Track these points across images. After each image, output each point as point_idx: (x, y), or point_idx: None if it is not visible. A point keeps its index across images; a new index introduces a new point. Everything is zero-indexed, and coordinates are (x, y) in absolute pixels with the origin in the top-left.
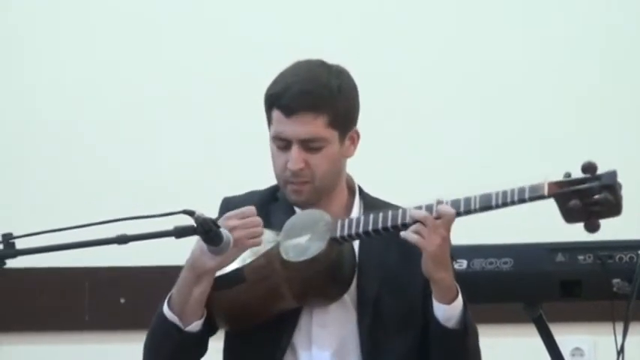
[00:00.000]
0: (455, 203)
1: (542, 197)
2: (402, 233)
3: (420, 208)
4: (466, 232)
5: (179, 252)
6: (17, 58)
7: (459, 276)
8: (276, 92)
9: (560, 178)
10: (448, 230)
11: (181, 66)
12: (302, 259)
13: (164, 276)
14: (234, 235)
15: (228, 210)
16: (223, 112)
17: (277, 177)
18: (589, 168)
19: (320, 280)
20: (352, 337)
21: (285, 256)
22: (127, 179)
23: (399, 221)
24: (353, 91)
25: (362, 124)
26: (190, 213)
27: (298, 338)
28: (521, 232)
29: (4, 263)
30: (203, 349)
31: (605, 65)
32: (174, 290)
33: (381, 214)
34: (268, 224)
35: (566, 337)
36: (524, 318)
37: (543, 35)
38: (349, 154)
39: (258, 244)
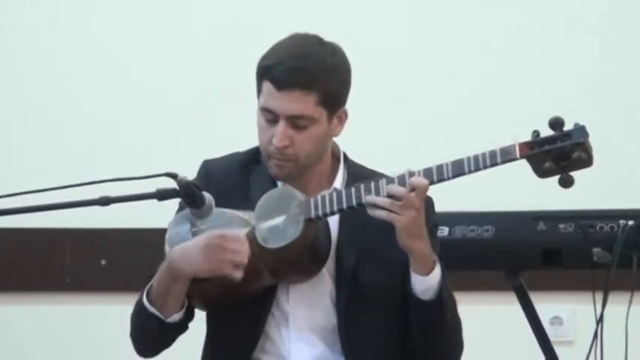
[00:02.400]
0: (427, 172)
1: (514, 159)
2: (374, 212)
3: (392, 180)
4: (448, 199)
5: (161, 214)
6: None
7: (441, 243)
8: (270, 64)
9: (529, 134)
10: (422, 201)
11: (169, 27)
12: (280, 245)
13: (146, 238)
14: (224, 258)
15: (209, 173)
16: (210, 75)
17: (261, 149)
18: (556, 124)
19: (299, 261)
20: (330, 310)
21: (262, 243)
22: (110, 141)
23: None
24: (346, 70)
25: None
26: (173, 176)
27: (275, 312)
28: (502, 199)
29: None
30: (186, 328)
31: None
32: (153, 283)
33: (353, 190)
34: (248, 188)
35: (546, 305)
36: (504, 285)
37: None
38: (336, 134)
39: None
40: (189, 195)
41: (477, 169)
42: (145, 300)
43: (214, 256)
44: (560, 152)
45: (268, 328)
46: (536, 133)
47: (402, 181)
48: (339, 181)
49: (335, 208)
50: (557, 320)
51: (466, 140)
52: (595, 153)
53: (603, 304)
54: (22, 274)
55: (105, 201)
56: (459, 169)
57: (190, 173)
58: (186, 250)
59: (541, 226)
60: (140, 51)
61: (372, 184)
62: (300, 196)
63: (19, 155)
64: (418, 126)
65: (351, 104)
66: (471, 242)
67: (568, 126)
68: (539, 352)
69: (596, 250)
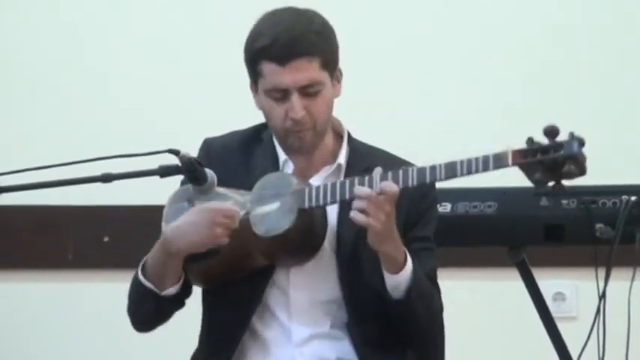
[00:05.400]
0: (420, 173)
1: (505, 166)
2: (350, 214)
3: (362, 182)
4: None
5: (163, 191)
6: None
7: (443, 219)
8: (265, 45)
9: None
10: (392, 206)
11: (172, 8)
12: (272, 234)
13: (148, 215)
14: (217, 231)
15: (209, 151)
16: (212, 53)
17: (276, 130)
18: (550, 132)
19: (292, 249)
20: (333, 284)
21: (256, 230)
22: (112, 117)
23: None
24: (331, 30)
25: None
26: (175, 152)
27: (275, 286)
28: (505, 175)
29: None
30: (183, 303)
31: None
32: (148, 258)
33: (347, 183)
34: (249, 165)
35: (549, 281)
36: (507, 262)
37: None
38: (338, 94)
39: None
40: (191, 171)
41: (469, 173)
42: (140, 275)
43: (206, 230)
44: (552, 163)
45: (269, 302)
46: (530, 140)
47: (371, 184)
48: (342, 157)
49: (328, 200)
50: (559, 296)
51: (462, 123)
52: (598, 129)
53: (606, 279)
54: (24, 252)
55: (107, 178)
56: (451, 172)
57: (193, 151)
58: (179, 226)
59: (544, 201)
60: (143, 30)
61: (366, 178)
62: (295, 183)
63: (20, 133)
64: (416, 112)
65: (348, 89)
66: (474, 218)
67: (563, 132)
68: (542, 328)
69: (598, 225)
